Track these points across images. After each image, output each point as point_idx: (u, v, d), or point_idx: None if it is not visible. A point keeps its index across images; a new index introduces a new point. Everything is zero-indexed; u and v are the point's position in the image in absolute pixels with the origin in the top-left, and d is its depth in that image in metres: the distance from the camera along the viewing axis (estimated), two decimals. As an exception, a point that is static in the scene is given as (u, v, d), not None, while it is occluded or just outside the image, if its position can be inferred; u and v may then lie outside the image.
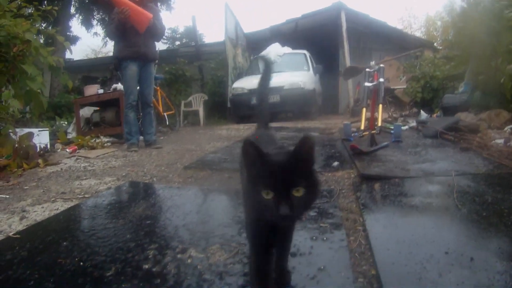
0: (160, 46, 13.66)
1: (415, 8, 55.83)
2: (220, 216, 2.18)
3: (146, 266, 1.58)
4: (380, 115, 4.28)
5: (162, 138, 6.71)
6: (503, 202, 2.19)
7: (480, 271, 1.41)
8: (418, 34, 26.42)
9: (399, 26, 24.33)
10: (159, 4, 12.48)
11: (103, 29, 15.81)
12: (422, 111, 7.08)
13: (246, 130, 7.34)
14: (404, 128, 5.87)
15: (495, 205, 2.13)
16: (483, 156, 3.42)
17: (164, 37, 7.34)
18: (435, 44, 17.83)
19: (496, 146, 3.74)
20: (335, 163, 3.53)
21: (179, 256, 1.66)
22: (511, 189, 2.46)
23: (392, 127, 4.69)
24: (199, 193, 2.77)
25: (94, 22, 15.96)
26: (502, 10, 5.60)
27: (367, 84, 4.61)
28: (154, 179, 3.28)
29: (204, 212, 2.28)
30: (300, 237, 1.78)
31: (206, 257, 1.63)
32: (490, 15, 6.18)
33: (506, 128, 4.64)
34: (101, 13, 15.32)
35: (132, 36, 5.11)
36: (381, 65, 4.61)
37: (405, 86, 9.73)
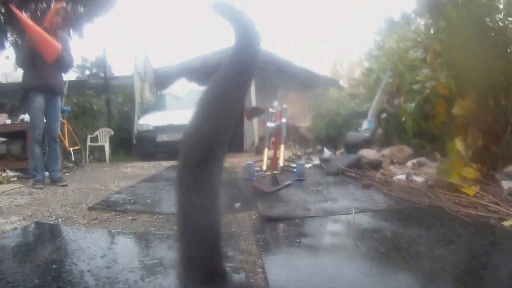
0: (70, 75, 13.26)
1: (322, 47, 59.79)
2: (124, 260, 2.19)
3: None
4: (282, 155, 4.44)
5: (67, 174, 6.65)
6: (402, 236, 2.38)
7: (377, 306, 1.50)
8: (324, 72, 28.11)
9: (305, 64, 25.77)
10: (71, 30, 12.17)
11: (15, 53, 14.90)
12: (325, 149, 7.46)
13: (150, 168, 7.37)
14: (307, 166, 6.13)
15: (394, 240, 2.31)
16: (384, 192, 3.69)
17: (74, 65, 7.15)
18: (340, 82, 19.11)
19: (398, 182, 4.06)
20: (237, 204, 3.61)
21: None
22: (410, 223, 2.69)
23: (295, 166, 4.87)
24: (103, 236, 2.80)
25: (7, 44, 14.94)
26: (407, 51, 6.23)
27: (269, 124, 4.79)
28: (60, 220, 3.28)
29: (108, 257, 2.28)
30: None
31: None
32: (394, 56, 6.86)
33: (408, 163, 5.05)
34: (15, 36, 14.45)
35: (40, 67, 5.01)
36: (284, 106, 4.83)
37: (309, 124, 10.24)
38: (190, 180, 0.63)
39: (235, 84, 0.67)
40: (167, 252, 2.30)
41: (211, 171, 0.65)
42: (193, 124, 0.64)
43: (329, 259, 2.09)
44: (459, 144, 3.63)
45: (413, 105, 4.94)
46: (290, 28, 64.74)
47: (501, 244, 2.27)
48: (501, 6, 3.97)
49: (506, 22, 3.98)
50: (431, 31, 5.39)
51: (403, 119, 5.51)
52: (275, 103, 5.16)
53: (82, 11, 12.23)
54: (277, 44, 58.62)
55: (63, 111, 6.92)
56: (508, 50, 3.81)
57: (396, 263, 1.96)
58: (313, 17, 63.17)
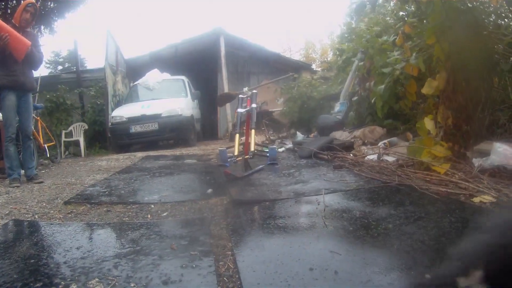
0: (42, 71, 13.16)
1: (295, 32, 59.79)
2: (98, 251, 2.22)
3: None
4: (253, 140, 4.43)
5: (43, 171, 6.65)
6: (371, 215, 2.40)
7: (344, 282, 1.55)
8: (297, 56, 28.18)
9: (279, 49, 25.74)
10: (42, 27, 11.91)
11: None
12: (298, 132, 7.51)
13: (125, 159, 7.32)
14: (281, 150, 6.15)
15: (363, 219, 2.33)
16: (354, 173, 3.72)
17: (46, 61, 7.02)
18: (313, 66, 19.19)
19: (369, 162, 4.08)
20: (209, 190, 3.67)
21: (63, 291, 1.76)
22: (379, 202, 2.71)
23: (267, 150, 4.87)
24: (79, 229, 2.81)
25: None
26: (378, 34, 6.25)
27: (240, 110, 4.77)
28: (36, 216, 3.31)
29: (83, 248, 2.32)
30: (171, 266, 1.90)
31: (87, 291, 1.75)
32: (365, 40, 6.89)
33: (379, 144, 5.09)
34: None
35: (10, 64, 4.99)
36: (254, 91, 4.83)
37: (282, 108, 10.26)
38: None
39: None
40: (139, 240, 2.32)
41: None
42: None
43: (297, 239, 2.10)
44: (428, 123, 3.66)
45: (382, 87, 4.96)
46: (263, 12, 64.45)
47: (469, 220, 2.29)
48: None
49: (475, 3, 4.03)
50: (400, 14, 5.45)
51: (372, 100, 5.55)
52: (245, 89, 5.14)
53: (52, 6, 11.94)
54: (250, 29, 58.26)
55: (36, 107, 7.09)
56: (478, 30, 3.85)
57: (364, 241, 1.98)
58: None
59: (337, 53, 10.03)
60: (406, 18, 4.96)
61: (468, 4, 3.90)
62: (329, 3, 55.98)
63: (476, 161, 3.33)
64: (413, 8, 4.49)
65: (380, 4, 7.40)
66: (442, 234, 2.04)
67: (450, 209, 2.47)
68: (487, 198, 2.58)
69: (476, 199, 2.60)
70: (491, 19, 4.25)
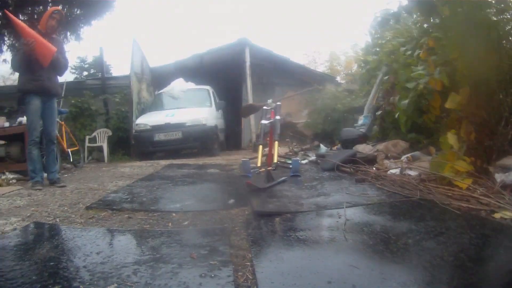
0: (68, 76, 13.31)
1: (320, 44, 59.90)
2: (118, 257, 2.26)
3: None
4: (276, 151, 4.48)
5: (66, 175, 6.75)
6: (391, 229, 2.41)
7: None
8: (322, 68, 28.16)
9: (303, 61, 25.81)
10: (68, 33, 12.25)
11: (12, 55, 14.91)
12: (321, 145, 7.51)
13: (148, 167, 7.42)
14: (304, 162, 6.17)
15: (383, 233, 2.34)
16: (376, 187, 3.73)
17: (71, 66, 7.28)
18: (337, 78, 19.18)
19: (391, 176, 4.08)
20: (231, 201, 3.70)
21: (81, 295, 1.78)
22: (400, 216, 2.72)
23: (290, 162, 4.90)
24: (99, 234, 2.85)
25: (4, 47, 14.95)
26: (399, 48, 6.25)
27: (263, 121, 4.83)
28: (58, 219, 3.36)
29: (103, 253, 2.35)
30: (190, 274, 1.91)
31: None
32: (389, 53, 6.89)
33: (402, 158, 5.08)
34: (11, 39, 14.48)
35: (36, 70, 5.12)
36: (278, 103, 4.89)
37: (306, 120, 10.28)
38: None
39: None
40: (159, 248, 2.35)
41: None
42: None
43: (317, 252, 2.13)
44: (451, 138, 3.65)
45: (406, 101, 4.97)
46: (289, 24, 64.63)
47: (489, 236, 2.29)
48: (493, 1, 3.99)
49: (500, 17, 4.01)
50: (424, 27, 5.44)
51: (396, 115, 5.55)
52: (269, 101, 5.20)
53: (78, 12, 12.22)
54: (275, 41, 58.53)
55: (61, 112, 7.27)
56: (502, 44, 3.83)
57: (383, 256, 2.00)
58: (310, 12, 63.25)
59: (362, 65, 10.02)
60: (430, 30, 4.96)
61: (493, 17, 3.89)
62: (354, 16, 55.97)
63: (498, 177, 3.30)
64: (437, 21, 4.49)
65: (404, 16, 7.40)
66: (461, 250, 2.04)
67: (470, 225, 2.47)
68: (508, 214, 2.56)
69: (497, 215, 2.60)
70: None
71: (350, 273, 1.80)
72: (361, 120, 7.48)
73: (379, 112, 7.03)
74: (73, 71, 29.23)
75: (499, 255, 2.03)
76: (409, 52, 5.81)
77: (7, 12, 6.15)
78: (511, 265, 1.86)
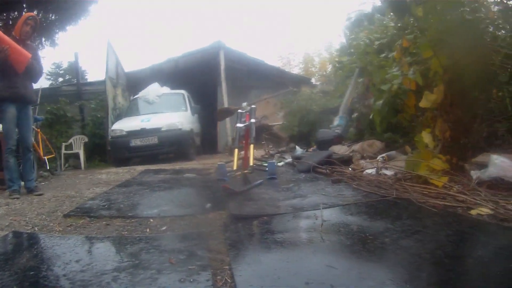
0: (43, 83, 13.37)
1: (294, 46, 60.18)
2: (97, 264, 2.24)
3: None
4: (252, 154, 4.47)
5: (43, 183, 6.71)
6: (368, 229, 2.42)
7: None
8: (297, 70, 28.29)
9: (278, 63, 25.95)
10: (43, 39, 12.07)
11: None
12: (297, 147, 7.55)
13: (125, 173, 7.37)
14: (280, 164, 6.18)
15: (360, 233, 2.35)
16: (353, 187, 3.75)
17: (46, 72, 7.13)
18: (312, 80, 19.31)
19: (367, 176, 4.11)
20: (208, 205, 3.70)
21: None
22: (376, 216, 2.74)
23: (266, 165, 4.90)
24: (78, 242, 2.84)
25: None
26: (378, 51, 6.31)
27: (239, 125, 4.81)
28: (36, 228, 3.34)
29: (82, 261, 2.33)
30: (169, 280, 1.90)
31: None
32: (364, 54, 6.96)
33: (378, 157, 5.12)
34: None
35: (11, 76, 5.05)
36: (253, 106, 4.88)
37: (282, 122, 10.33)
38: None
39: None
40: (138, 254, 2.33)
41: None
42: None
43: (295, 254, 2.12)
44: (426, 137, 3.70)
45: (380, 102, 5.01)
46: (263, 26, 64.92)
47: (466, 232, 2.32)
48: (465, 1, 4.05)
49: (475, 15, 4.07)
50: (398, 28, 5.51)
51: (371, 116, 5.60)
52: (244, 104, 5.19)
53: (53, 18, 12.07)
54: (250, 45, 58.78)
55: (36, 120, 7.22)
56: (477, 43, 3.89)
57: (360, 255, 2.01)
58: (284, 13, 63.70)
59: (337, 65, 10.11)
60: (405, 31, 5.01)
61: (467, 16, 3.94)
62: (328, 17, 56.53)
63: (474, 174, 3.34)
64: (411, 20, 4.54)
65: (378, 17, 7.48)
66: (439, 247, 2.06)
67: (447, 222, 2.50)
68: (484, 211, 2.59)
69: (474, 212, 2.62)
70: (489, 30, 4.29)
71: (328, 274, 1.79)
72: (336, 121, 7.54)
73: (355, 115, 7.09)
74: (48, 77, 29.20)
75: (476, 251, 2.04)
76: (383, 54, 5.87)
77: None
78: (488, 261, 1.87)
